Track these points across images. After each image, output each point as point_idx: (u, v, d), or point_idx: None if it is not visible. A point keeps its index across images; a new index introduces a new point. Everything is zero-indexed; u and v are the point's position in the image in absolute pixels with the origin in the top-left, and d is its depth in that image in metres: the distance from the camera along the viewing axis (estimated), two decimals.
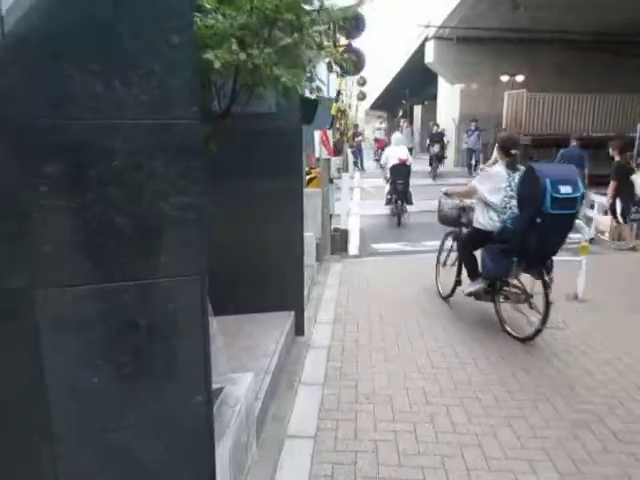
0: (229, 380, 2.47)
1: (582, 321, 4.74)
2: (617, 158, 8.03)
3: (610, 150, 8.23)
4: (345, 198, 8.27)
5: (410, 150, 15.88)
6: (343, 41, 7.86)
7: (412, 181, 10.59)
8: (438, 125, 20.98)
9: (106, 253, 1.55)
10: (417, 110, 36.00)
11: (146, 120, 1.51)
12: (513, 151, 4.50)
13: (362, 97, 19.04)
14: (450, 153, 21.98)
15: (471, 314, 4.91)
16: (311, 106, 6.39)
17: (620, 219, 8.00)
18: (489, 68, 22.79)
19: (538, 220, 3.92)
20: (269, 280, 4.19)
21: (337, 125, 22.29)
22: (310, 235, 6.30)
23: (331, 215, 7.73)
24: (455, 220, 5.21)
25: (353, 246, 8.15)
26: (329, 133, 7.44)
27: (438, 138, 19.31)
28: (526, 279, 4.39)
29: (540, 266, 4.17)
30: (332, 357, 3.97)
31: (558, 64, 21.39)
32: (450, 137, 21.86)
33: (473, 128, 19.42)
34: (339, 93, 8.68)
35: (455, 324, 4.66)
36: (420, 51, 25.36)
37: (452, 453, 2.71)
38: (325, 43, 2.34)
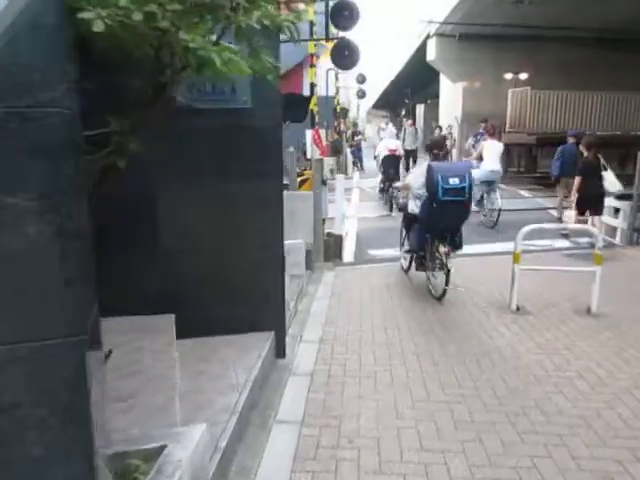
0: (174, 436, 2.00)
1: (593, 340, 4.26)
2: (585, 154, 8.09)
3: (579, 146, 8.54)
4: (339, 201, 7.80)
5: (415, 152, 15.32)
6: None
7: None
8: (440, 127, 17.30)
9: None
10: (420, 109, 35.50)
11: None
12: (435, 151, 6.04)
13: (361, 95, 18.54)
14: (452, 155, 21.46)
15: (470, 325, 4.44)
16: (300, 103, 5.88)
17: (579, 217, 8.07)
18: (492, 66, 22.27)
19: (434, 205, 5.14)
20: (245, 297, 3.71)
21: (335, 124, 21.94)
22: (298, 242, 5.82)
23: (324, 219, 7.25)
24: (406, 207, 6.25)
25: (348, 252, 7.67)
26: (321, 132, 6.96)
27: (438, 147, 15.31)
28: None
29: (445, 240, 5.31)
30: (315, 386, 3.48)
31: (562, 61, 20.85)
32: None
33: (482, 130, 15.13)
34: (313, 86, 8.19)
35: (456, 342, 4.18)
36: (422, 49, 24.92)
37: None
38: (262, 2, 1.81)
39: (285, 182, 7.31)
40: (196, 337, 3.56)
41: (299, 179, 7.17)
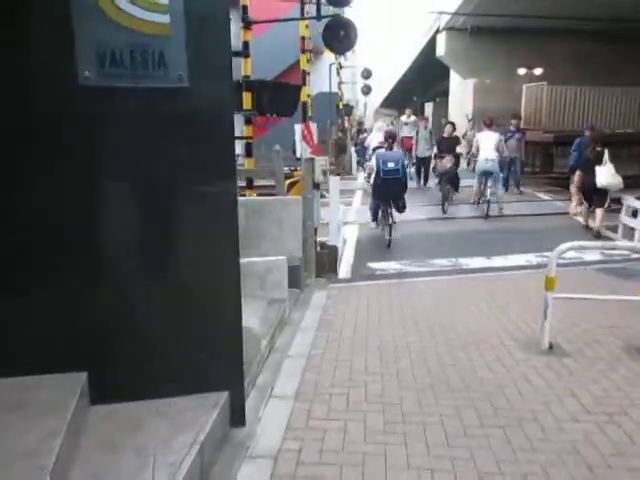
0: None
1: None
2: (590, 149, 8.85)
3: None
4: (334, 206, 6.76)
5: (428, 160, 13.53)
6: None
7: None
8: (454, 125, 12.90)
9: None
10: (428, 107, 34.53)
11: None
12: (389, 140, 8.69)
13: (366, 91, 17.48)
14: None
15: (492, 371, 3.41)
16: (288, 93, 5.06)
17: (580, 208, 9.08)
18: (504, 61, 21.36)
19: (378, 181, 7.78)
20: (185, 345, 2.71)
21: (339, 121, 20.92)
22: (279, 260, 4.82)
23: (316, 229, 6.23)
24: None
25: (344, 266, 6.66)
26: (312, 127, 5.96)
27: (449, 145, 11.71)
28: None
29: (391, 206, 7.92)
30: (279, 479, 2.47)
31: (580, 56, 19.82)
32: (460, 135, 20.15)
33: (513, 129, 13.40)
34: (304, 74, 7.13)
35: (475, 402, 3.15)
36: (430, 45, 24.10)
37: None
38: None
39: (271, 184, 6.36)
40: (113, 403, 2.58)
41: (288, 182, 6.16)
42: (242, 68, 6.03)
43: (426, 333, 4.37)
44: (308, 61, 7.11)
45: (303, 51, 6.77)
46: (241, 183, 6.50)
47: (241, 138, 6.13)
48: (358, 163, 19.15)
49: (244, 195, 6.26)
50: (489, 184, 10.18)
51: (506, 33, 20.65)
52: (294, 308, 5.09)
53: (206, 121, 2.50)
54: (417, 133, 14.17)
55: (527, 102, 17.28)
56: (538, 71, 20.29)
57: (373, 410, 3.08)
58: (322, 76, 19.15)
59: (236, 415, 2.87)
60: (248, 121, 6.15)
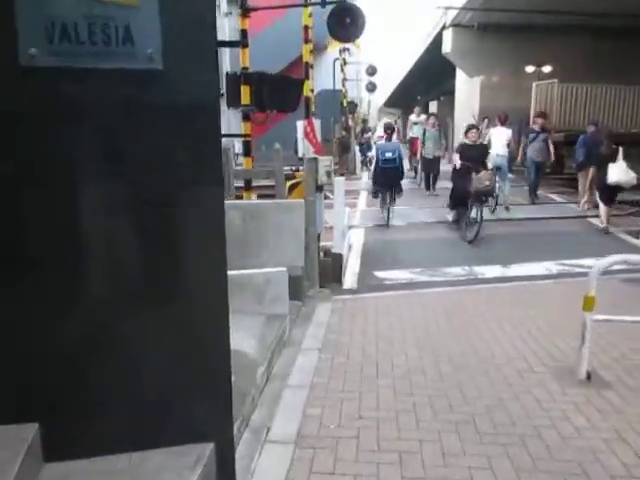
0: None
1: None
2: (605, 144, 8.74)
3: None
4: (340, 210, 6.25)
5: (437, 161, 12.22)
6: None
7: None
8: (478, 129, 9.82)
9: None
10: (432, 106, 34.00)
11: None
12: (388, 132, 9.87)
13: (371, 88, 16.95)
14: None
15: (524, 406, 2.90)
16: (290, 86, 4.69)
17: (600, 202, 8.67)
18: (512, 58, 20.86)
19: (377, 169, 9.14)
20: (160, 388, 2.21)
21: (343, 119, 20.39)
22: (280, 272, 4.32)
23: (319, 235, 5.73)
24: None
25: (350, 275, 6.15)
26: (316, 123, 5.45)
27: (479, 155, 8.65)
28: None
29: (391, 191, 9.17)
30: None
31: (590, 53, 19.25)
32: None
33: (538, 129, 11.59)
34: (307, 66, 6.58)
35: (507, 447, 2.65)
36: (435, 43, 23.66)
37: None
38: None
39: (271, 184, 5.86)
40: (71, 459, 2.09)
41: (289, 183, 5.65)
42: (240, 59, 5.53)
43: (443, 355, 3.87)
44: (311, 52, 6.58)
45: (306, 41, 6.25)
46: (239, 183, 6.00)
47: (238, 136, 5.64)
48: (362, 162, 18.62)
49: (241, 197, 5.75)
50: (497, 179, 9.58)
51: (514, 29, 20.16)
52: (295, 323, 4.60)
53: (184, 112, 1.99)
54: (424, 133, 12.74)
55: (537, 100, 16.74)
56: (547, 69, 19.74)
57: (388, 461, 2.57)
58: (326, 72, 18.62)
59: (224, 470, 2.37)
60: (246, 117, 5.64)
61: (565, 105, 16.10)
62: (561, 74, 17.48)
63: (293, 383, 3.44)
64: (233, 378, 2.30)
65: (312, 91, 7.66)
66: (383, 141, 9.75)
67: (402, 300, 5.27)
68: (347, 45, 17.34)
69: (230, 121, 10.41)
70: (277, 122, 10.85)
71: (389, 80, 40.84)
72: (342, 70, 18.12)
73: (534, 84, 17.05)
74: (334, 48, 17.42)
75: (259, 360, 3.46)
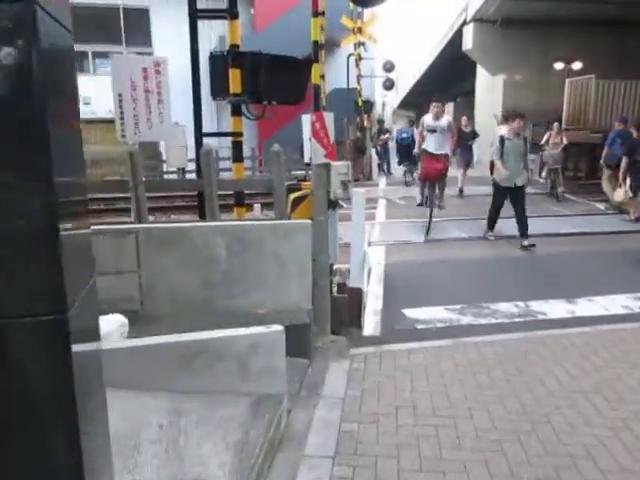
0: None
1: None
2: (635, 134, 8.84)
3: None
4: (359, 230, 4.84)
5: (522, 191, 9.43)
6: None
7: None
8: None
9: None
10: (449, 108, 32.49)
11: None
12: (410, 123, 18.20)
13: (389, 85, 15.58)
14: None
15: None
16: (295, 70, 3.11)
17: (629, 192, 8.58)
18: (538, 54, 19.68)
19: (396, 145, 15.98)
20: None
21: (358, 119, 19.01)
22: (273, 332, 2.93)
23: (332, 265, 4.37)
24: None
25: (371, 314, 4.76)
26: (327, 118, 4.10)
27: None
28: None
29: (410, 164, 14.29)
30: None
31: (623, 48, 17.78)
32: (490, 139, 17.92)
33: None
34: (316, 46, 5.15)
35: None
36: (454, 41, 22.34)
37: None
38: None
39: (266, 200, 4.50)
40: None
41: (292, 197, 4.29)
42: (228, 34, 4.19)
43: (517, 465, 2.48)
44: (322, 29, 5.23)
45: (315, 14, 4.89)
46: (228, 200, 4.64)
47: (226, 135, 4.32)
48: (379, 167, 17.21)
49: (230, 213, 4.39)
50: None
51: (540, 24, 18.90)
52: (297, 399, 3.23)
53: None
54: (502, 142, 7.48)
55: (570, 99, 15.27)
56: (577, 65, 18.23)
57: None
58: (337, 72, 17.23)
59: None
60: (236, 111, 4.29)
61: (602, 103, 14.58)
62: (591, 71, 15.95)
63: None
64: None
65: (322, 77, 6.27)
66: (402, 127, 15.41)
67: (444, 356, 3.86)
68: (363, 39, 15.99)
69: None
70: (273, 116, 9.11)
71: (402, 82, 39.48)
72: (357, 65, 16.72)
73: (567, 81, 15.60)
74: (348, 43, 16.07)
75: None
